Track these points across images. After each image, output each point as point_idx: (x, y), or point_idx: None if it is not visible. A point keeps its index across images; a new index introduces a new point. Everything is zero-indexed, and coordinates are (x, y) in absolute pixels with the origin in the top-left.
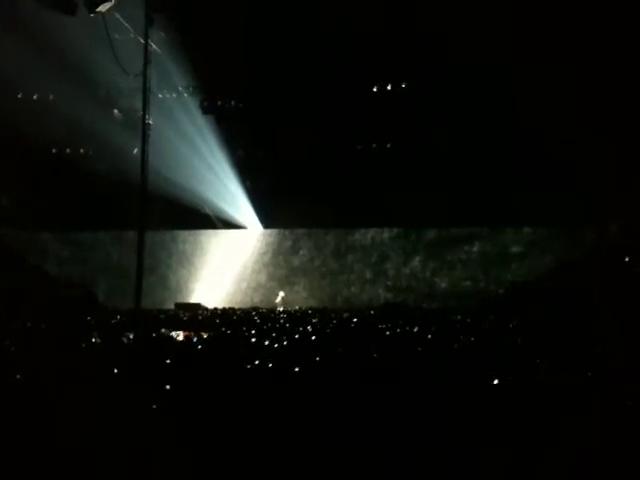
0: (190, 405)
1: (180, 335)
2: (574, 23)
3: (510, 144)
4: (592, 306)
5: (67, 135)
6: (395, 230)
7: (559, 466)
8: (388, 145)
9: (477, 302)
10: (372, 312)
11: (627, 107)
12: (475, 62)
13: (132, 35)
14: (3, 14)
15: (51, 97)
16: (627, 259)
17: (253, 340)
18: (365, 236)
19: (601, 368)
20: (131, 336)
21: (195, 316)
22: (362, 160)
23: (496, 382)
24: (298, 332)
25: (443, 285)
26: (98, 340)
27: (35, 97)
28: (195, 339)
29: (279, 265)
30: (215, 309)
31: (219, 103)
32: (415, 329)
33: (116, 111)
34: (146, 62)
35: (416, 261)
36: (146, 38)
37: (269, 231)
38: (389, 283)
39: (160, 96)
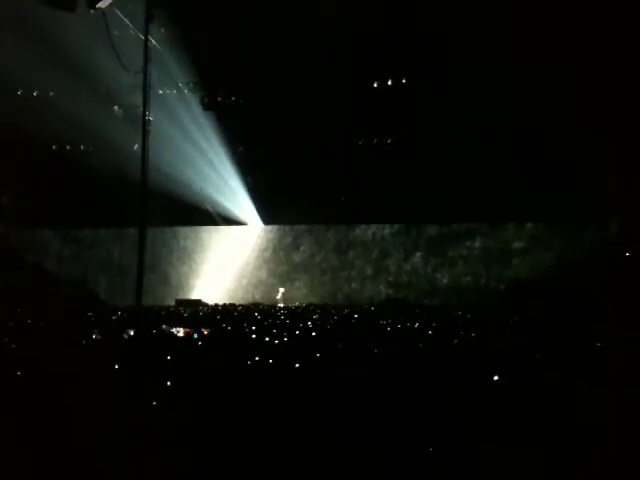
0: (191, 401)
1: (181, 332)
2: (574, 22)
3: (511, 141)
4: (592, 302)
5: (67, 132)
6: (396, 226)
7: (559, 463)
8: (389, 141)
9: (478, 298)
10: (373, 308)
11: (628, 103)
12: (477, 58)
13: (132, 31)
14: (2, 11)
15: (51, 94)
16: (627, 255)
17: (254, 336)
18: (366, 232)
19: (601, 365)
20: (132, 333)
21: (196, 313)
22: (363, 156)
23: (496, 378)
24: (299, 328)
25: (444, 281)
26: (99, 337)
27: (35, 94)
28: (196, 335)
29: (280, 261)
30: (216, 305)
31: (220, 99)
32: (416, 325)
33: (116, 108)
34: (146, 58)
35: (417, 257)
36: (146, 34)
37: (270, 227)
38: (390, 279)
39: (161, 92)
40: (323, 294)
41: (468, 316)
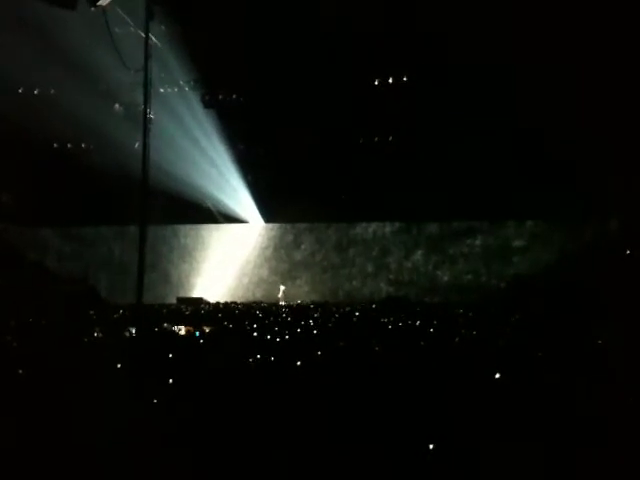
0: (192, 399)
1: (182, 329)
2: (574, 23)
3: (511, 139)
4: (593, 299)
5: (68, 130)
6: (397, 224)
7: (560, 461)
8: (390, 139)
9: (479, 296)
10: (374, 306)
11: (627, 103)
12: (477, 58)
13: (133, 29)
14: (3, 9)
15: (52, 92)
16: (627, 253)
17: (255, 334)
18: (367, 230)
19: (601, 362)
20: (133, 331)
21: (197, 310)
22: (364, 155)
23: (497, 376)
24: (300, 326)
25: (445, 279)
26: (100, 335)
27: (36, 92)
28: (197, 333)
29: (281, 259)
30: (217, 303)
31: (220, 97)
32: (417, 323)
33: (117, 105)
34: (147, 56)
35: (418, 255)
36: (147, 32)
37: (271, 225)
38: (391, 277)
39: (161, 90)
40: (324, 292)
41: (469, 314)
